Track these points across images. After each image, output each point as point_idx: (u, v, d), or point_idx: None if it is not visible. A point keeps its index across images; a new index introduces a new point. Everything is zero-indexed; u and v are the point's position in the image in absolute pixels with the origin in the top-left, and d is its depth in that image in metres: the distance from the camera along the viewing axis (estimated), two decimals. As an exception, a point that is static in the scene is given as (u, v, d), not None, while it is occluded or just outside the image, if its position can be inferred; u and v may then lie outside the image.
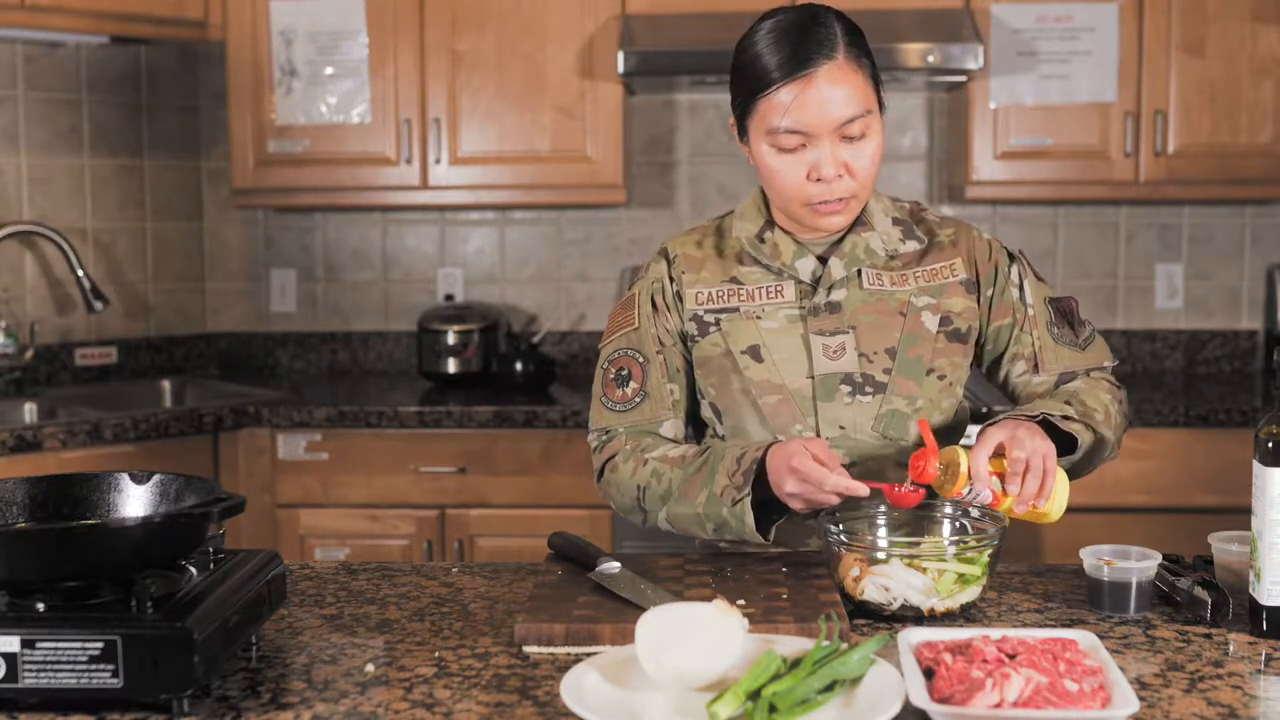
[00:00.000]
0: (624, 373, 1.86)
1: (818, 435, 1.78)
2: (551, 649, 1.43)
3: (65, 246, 3.55)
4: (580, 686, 1.23)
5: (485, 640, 1.48)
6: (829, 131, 1.71)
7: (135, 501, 1.45)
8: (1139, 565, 1.55)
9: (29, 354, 3.56)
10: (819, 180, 1.73)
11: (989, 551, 1.53)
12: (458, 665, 1.40)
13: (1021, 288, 1.86)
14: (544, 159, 3.56)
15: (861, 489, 1.59)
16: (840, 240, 1.83)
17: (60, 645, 1.23)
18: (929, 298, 1.82)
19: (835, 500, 1.62)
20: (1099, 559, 1.57)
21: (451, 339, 3.66)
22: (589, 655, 1.39)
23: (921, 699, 1.18)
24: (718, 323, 1.84)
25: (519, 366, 3.61)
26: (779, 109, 1.70)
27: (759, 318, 1.82)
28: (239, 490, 3.28)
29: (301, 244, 4.02)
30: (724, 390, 1.83)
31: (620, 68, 3.34)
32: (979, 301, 1.86)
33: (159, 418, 3.19)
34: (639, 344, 1.87)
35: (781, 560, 1.69)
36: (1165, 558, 1.65)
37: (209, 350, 4.04)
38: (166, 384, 3.81)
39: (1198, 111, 3.46)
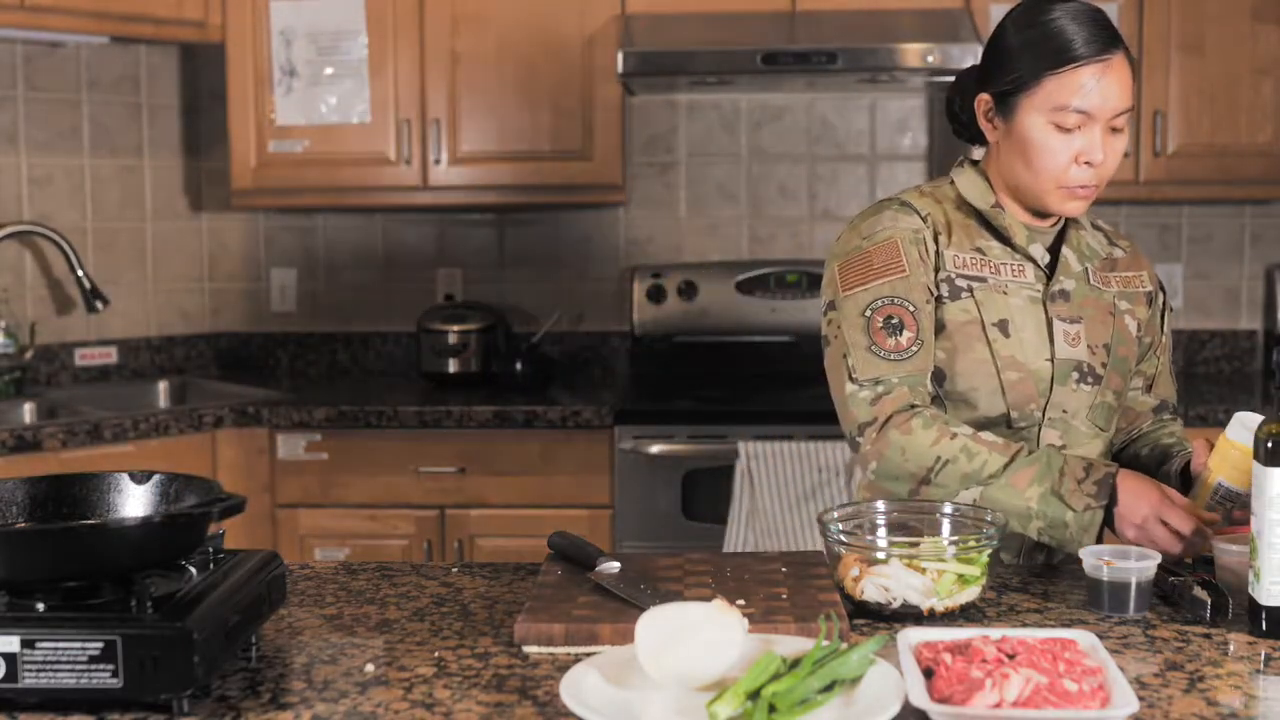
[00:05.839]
0: (894, 321, 1.78)
1: (1043, 415, 1.82)
2: (551, 649, 1.43)
3: (65, 246, 3.55)
4: (580, 686, 1.23)
5: (485, 640, 1.48)
6: (1106, 118, 1.76)
7: (135, 501, 1.45)
8: (1139, 565, 1.55)
9: (29, 354, 3.56)
10: (1086, 164, 1.77)
11: (988, 551, 1.53)
12: (457, 665, 1.40)
13: (1163, 315, 1.96)
14: (544, 159, 3.56)
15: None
16: (1062, 233, 1.88)
17: (60, 645, 1.22)
18: (1127, 303, 1.90)
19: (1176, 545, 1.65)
20: (1099, 559, 1.57)
21: (451, 339, 3.66)
22: (589, 655, 1.39)
23: (921, 699, 1.18)
24: (970, 289, 1.82)
25: (519, 366, 3.61)
26: (1076, 88, 1.74)
27: (1005, 293, 1.83)
28: (239, 490, 3.27)
29: (301, 244, 4.02)
30: (960, 356, 1.81)
31: (620, 68, 3.34)
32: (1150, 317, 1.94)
33: (159, 418, 3.19)
34: (907, 292, 1.79)
35: (781, 560, 1.69)
36: (1165, 558, 1.65)
37: (209, 350, 4.04)
38: (166, 384, 3.82)
39: (1197, 111, 3.46)
